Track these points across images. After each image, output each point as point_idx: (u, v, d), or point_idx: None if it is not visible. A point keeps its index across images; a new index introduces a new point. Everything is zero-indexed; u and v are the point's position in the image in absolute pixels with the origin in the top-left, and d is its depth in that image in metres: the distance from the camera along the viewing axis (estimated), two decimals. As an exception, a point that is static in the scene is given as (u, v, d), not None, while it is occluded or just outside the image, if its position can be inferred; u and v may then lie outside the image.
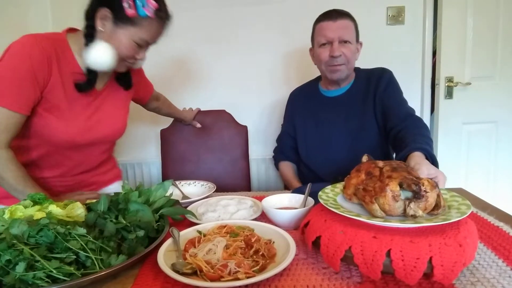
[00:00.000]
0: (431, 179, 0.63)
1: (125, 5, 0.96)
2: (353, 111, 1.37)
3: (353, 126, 1.36)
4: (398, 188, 0.62)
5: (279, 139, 1.60)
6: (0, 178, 0.97)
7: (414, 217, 0.61)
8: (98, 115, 1.12)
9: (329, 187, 0.81)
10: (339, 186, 0.81)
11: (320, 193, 0.76)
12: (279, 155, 1.58)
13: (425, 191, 0.61)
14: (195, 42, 1.97)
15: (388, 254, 0.56)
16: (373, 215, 0.64)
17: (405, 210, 0.62)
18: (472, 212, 0.65)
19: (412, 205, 0.61)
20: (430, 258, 0.54)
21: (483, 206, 0.92)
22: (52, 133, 1.04)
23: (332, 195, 0.76)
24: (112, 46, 0.99)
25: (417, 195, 0.61)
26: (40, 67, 0.96)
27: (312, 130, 1.44)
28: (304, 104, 1.49)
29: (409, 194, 0.62)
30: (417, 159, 0.88)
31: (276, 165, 1.61)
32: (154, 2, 0.98)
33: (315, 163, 1.43)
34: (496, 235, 0.74)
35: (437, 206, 0.63)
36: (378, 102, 1.33)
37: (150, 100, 1.45)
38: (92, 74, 1.05)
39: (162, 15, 1.02)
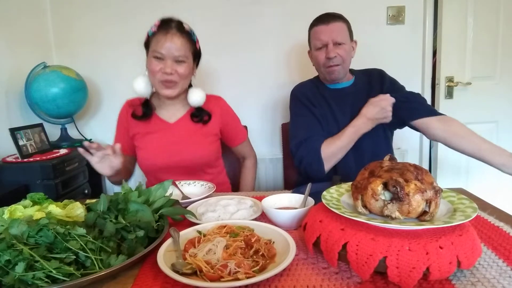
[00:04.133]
0: (419, 183, 0.62)
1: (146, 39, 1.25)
2: (360, 104, 1.36)
3: None
4: (379, 187, 0.62)
5: (304, 131, 1.35)
6: None
7: (390, 218, 0.61)
8: (173, 142, 1.31)
9: (334, 187, 0.80)
10: (344, 186, 0.81)
11: (324, 193, 0.76)
12: (315, 142, 1.31)
13: (406, 194, 0.60)
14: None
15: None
16: (357, 212, 0.65)
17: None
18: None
19: (389, 205, 0.61)
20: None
21: (483, 206, 0.92)
22: (139, 159, 1.33)
23: (336, 195, 0.76)
24: (146, 73, 1.25)
25: (396, 197, 0.61)
26: (122, 117, 1.35)
27: (328, 120, 1.38)
28: (313, 96, 1.44)
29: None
30: None
31: (317, 154, 1.28)
32: (156, 22, 1.21)
33: None
34: (496, 235, 0.74)
35: (426, 212, 0.62)
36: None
37: (237, 149, 1.54)
38: (144, 103, 1.33)
39: (165, 27, 1.19)
